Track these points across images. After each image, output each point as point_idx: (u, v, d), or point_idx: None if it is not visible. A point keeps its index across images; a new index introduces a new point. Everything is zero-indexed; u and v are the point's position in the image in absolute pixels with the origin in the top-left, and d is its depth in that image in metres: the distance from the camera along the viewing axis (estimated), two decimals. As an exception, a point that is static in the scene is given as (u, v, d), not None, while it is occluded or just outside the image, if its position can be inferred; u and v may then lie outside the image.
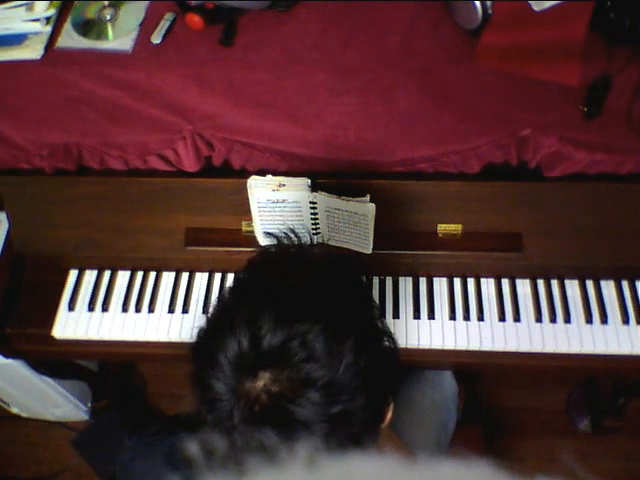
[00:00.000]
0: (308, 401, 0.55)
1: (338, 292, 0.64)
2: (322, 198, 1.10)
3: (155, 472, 0.74)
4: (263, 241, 1.13)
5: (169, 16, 1.21)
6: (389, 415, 0.68)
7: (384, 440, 0.96)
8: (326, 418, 0.56)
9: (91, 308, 1.24)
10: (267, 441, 0.55)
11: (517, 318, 1.18)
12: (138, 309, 1.24)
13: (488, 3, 1.08)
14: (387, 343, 0.67)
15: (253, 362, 0.56)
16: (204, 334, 0.62)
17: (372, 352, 0.61)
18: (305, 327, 0.56)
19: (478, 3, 1.08)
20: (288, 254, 0.67)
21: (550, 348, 1.15)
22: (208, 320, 0.62)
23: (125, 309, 1.24)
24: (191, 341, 0.62)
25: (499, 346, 1.16)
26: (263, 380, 0.55)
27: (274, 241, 0.69)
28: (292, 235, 0.68)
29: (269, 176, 1.10)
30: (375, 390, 0.61)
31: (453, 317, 1.19)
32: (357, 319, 0.62)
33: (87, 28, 1.22)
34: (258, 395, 0.55)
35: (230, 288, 0.66)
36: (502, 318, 1.18)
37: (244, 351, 0.56)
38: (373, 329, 0.65)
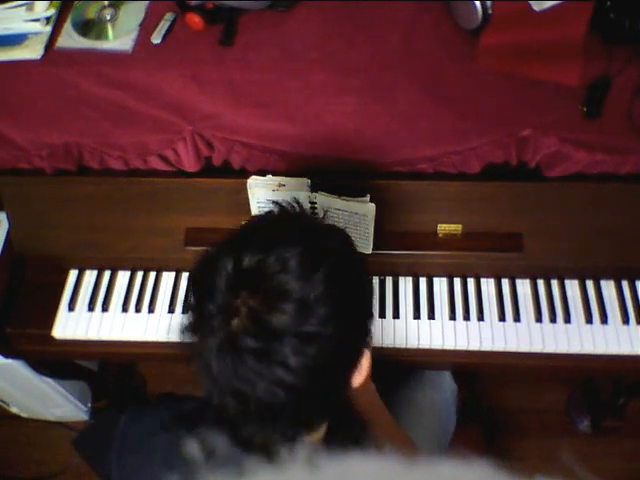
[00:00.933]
0: (280, 312, 0.59)
1: (321, 233, 0.69)
2: (322, 198, 1.10)
3: (151, 438, 0.76)
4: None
5: (169, 16, 1.21)
6: (365, 364, 0.70)
7: (392, 436, 0.97)
8: (297, 333, 0.59)
9: (91, 308, 1.24)
10: (244, 351, 0.60)
11: (517, 318, 1.18)
12: (138, 309, 1.24)
13: (488, 3, 1.08)
14: (367, 288, 0.71)
15: (235, 281, 0.61)
16: (198, 264, 0.67)
17: (348, 287, 0.65)
18: (282, 249, 0.62)
19: (478, 3, 1.08)
20: (283, 214, 0.72)
21: (550, 348, 1.15)
22: (203, 255, 0.68)
23: (125, 309, 1.24)
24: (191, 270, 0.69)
25: (499, 346, 1.16)
26: (243, 296, 0.61)
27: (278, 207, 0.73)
28: (295, 204, 0.72)
29: (269, 176, 1.10)
30: (347, 326, 0.64)
31: (453, 317, 1.19)
32: (335, 251, 0.66)
33: (87, 28, 1.22)
34: (238, 308, 0.60)
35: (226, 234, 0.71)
36: (502, 318, 1.18)
37: (228, 273, 0.62)
38: (352, 267, 0.69)
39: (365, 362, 0.71)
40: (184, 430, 0.71)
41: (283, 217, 0.71)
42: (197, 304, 0.64)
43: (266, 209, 0.74)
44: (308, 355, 0.60)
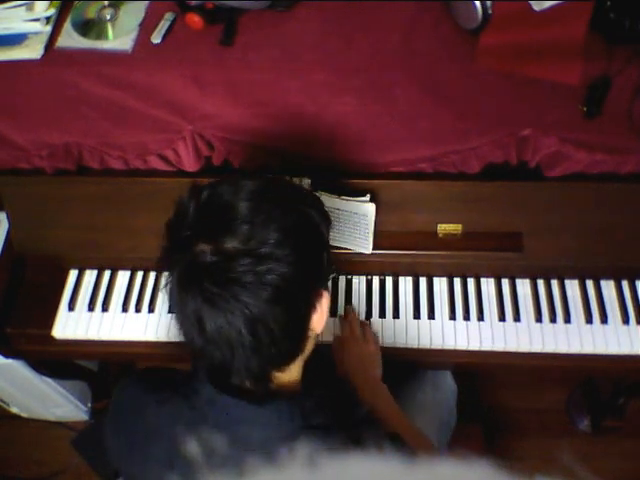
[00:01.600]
0: (233, 232, 0.65)
1: (279, 181, 0.76)
2: (322, 198, 1.10)
3: (142, 399, 0.79)
4: None
5: (169, 16, 1.21)
6: (325, 308, 0.73)
7: (412, 439, 0.97)
8: (249, 252, 0.64)
9: (91, 308, 1.24)
10: (206, 269, 0.64)
11: (517, 318, 1.18)
12: (138, 309, 1.24)
13: (488, 3, 1.08)
14: (321, 226, 0.73)
15: (195, 213, 0.68)
16: (171, 217, 0.72)
17: (299, 218, 0.70)
18: (235, 180, 0.69)
19: (478, 3, 1.08)
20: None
21: (550, 348, 1.15)
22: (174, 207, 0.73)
23: (125, 309, 1.24)
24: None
25: (499, 346, 1.16)
26: (202, 225, 0.67)
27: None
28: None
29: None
30: (299, 253, 0.67)
31: (453, 317, 1.19)
32: (289, 189, 0.74)
33: (87, 28, 1.22)
34: (199, 236, 0.65)
35: None
36: (502, 318, 1.18)
37: (190, 207, 0.68)
38: (308, 202, 0.73)
39: (325, 304, 0.73)
40: (168, 390, 0.75)
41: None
42: (167, 242, 0.70)
43: None
44: (260, 273, 0.64)
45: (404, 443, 0.78)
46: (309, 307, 0.71)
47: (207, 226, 0.66)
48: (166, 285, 0.69)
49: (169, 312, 1.23)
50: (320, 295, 0.72)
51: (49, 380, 1.54)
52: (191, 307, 0.65)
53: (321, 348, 0.83)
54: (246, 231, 0.64)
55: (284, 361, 0.72)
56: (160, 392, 0.77)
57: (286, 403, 0.70)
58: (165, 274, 0.69)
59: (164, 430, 0.74)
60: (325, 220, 0.74)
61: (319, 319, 0.73)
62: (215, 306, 0.64)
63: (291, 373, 0.75)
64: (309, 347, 0.76)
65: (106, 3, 1.25)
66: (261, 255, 0.64)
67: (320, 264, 0.73)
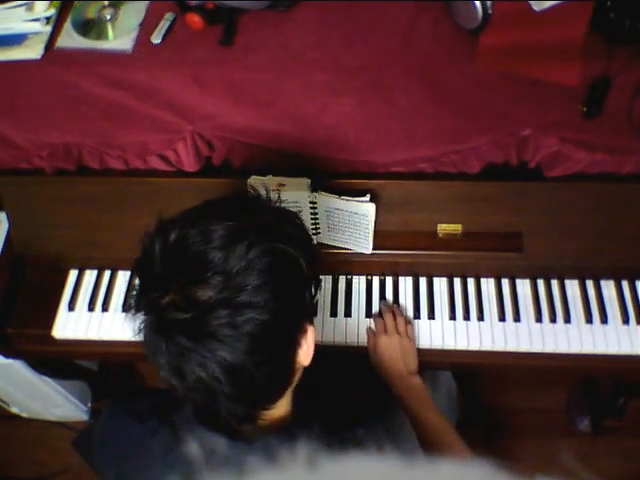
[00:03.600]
0: (205, 283, 0.60)
1: (253, 210, 0.69)
2: (322, 198, 1.10)
3: (126, 427, 0.77)
4: None
5: (169, 16, 1.21)
6: (311, 340, 0.70)
7: (442, 432, 0.97)
8: (225, 303, 0.59)
9: (91, 308, 1.24)
10: (175, 324, 0.60)
11: (517, 318, 1.18)
12: (138, 309, 1.23)
13: (488, 3, 1.08)
14: (303, 264, 0.68)
15: (163, 259, 0.62)
16: (138, 255, 0.68)
17: (279, 258, 0.64)
18: (208, 223, 0.62)
19: (478, 3, 1.08)
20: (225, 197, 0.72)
21: (550, 348, 1.15)
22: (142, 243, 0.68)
23: (125, 309, 1.24)
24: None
25: (499, 346, 1.16)
26: (173, 274, 0.61)
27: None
28: (252, 190, 0.74)
29: (269, 176, 1.10)
30: (281, 297, 0.63)
31: (453, 317, 1.19)
32: (267, 223, 0.66)
33: (87, 28, 1.22)
34: (169, 286, 0.61)
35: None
36: (502, 318, 1.18)
37: (157, 252, 0.62)
38: (285, 240, 0.67)
39: (310, 338, 0.70)
40: (159, 421, 0.72)
41: (227, 198, 0.72)
42: (138, 286, 0.65)
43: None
44: (238, 325, 0.60)
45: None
46: (294, 347, 0.68)
47: (177, 276, 0.61)
48: (140, 331, 0.65)
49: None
50: (305, 331, 0.69)
51: (49, 380, 1.54)
52: (166, 358, 0.62)
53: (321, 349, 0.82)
54: (220, 281, 0.60)
55: (271, 401, 0.69)
56: (147, 421, 0.74)
57: (276, 438, 0.66)
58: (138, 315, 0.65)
59: (154, 462, 0.72)
60: (305, 249, 0.69)
61: (306, 354, 0.70)
62: (191, 360, 0.60)
63: (280, 407, 0.72)
64: (297, 377, 0.73)
65: (106, 3, 1.25)
66: (238, 305, 0.60)
67: (302, 301, 0.69)
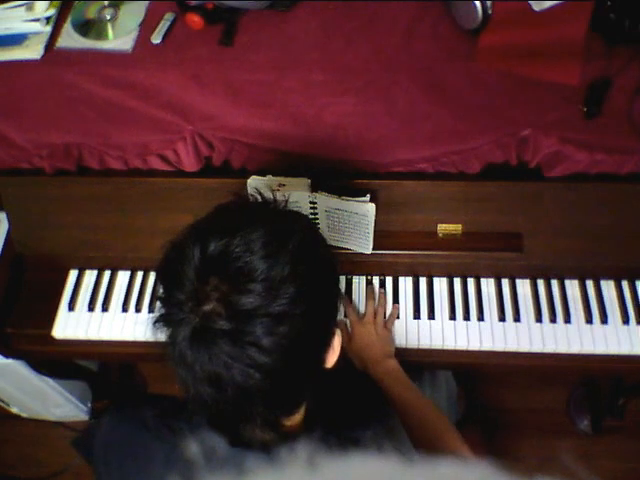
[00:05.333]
0: (250, 292, 0.60)
1: (284, 216, 0.71)
2: (322, 198, 1.10)
3: (136, 439, 0.77)
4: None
5: (169, 16, 1.21)
6: (337, 344, 0.71)
7: (424, 411, 0.97)
8: (267, 313, 0.60)
9: (91, 308, 1.24)
10: (216, 334, 0.60)
11: (517, 318, 1.18)
12: (138, 309, 1.24)
13: (488, 3, 1.08)
14: (331, 269, 0.71)
15: (203, 268, 0.62)
16: (165, 258, 0.68)
17: (314, 265, 0.66)
18: (247, 231, 0.63)
19: (478, 3, 1.08)
20: (245, 201, 0.73)
21: (550, 348, 1.15)
22: (169, 247, 0.68)
23: (125, 309, 1.24)
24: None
25: (499, 346, 1.16)
26: (212, 282, 0.61)
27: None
28: (257, 195, 0.73)
29: (269, 176, 1.10)
30: (316, 304, 0.65)
31: (453, 317, 1.19)
32: (299, 231, 0.67)
33: (87, 28, 1.22)
34: (208, 295, 0.60)
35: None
36: (502, 318, 1.18)
37: (196, 261, 0.62)
38: (316, 246, 0.69)
39: (337, 341, 0.72)
40: (165, 428, 0.72)
41: (246, 203, 0.73)
42: (167, 295, 0.65)
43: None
44: (280, 334, 0.60)
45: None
46: (326, 350, 0.70)
47: (219, 285, 0.61)
48: (172, 343, 0.64)
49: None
50: (333, 334, 0.71)
51: (49, 380, 1.54)
52: (205, 367, 0.62)
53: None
54: (264, 289, 0.60)
55: (299, 405, 0.71)
56: (154, 428, 0.74)
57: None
58: (164, 326, 0.65)
59: (158, 468, 0.72)
60: (332, 253, 0.71)
61: (331, 357, 0.72)
62: (233, 368, 0.61)
63: (299, 413, 0.73)
64: None
65: (106, 3, 1.25)
66: (280, 313, 0.60)
67: (335, 305, 0.71)
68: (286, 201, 0.72)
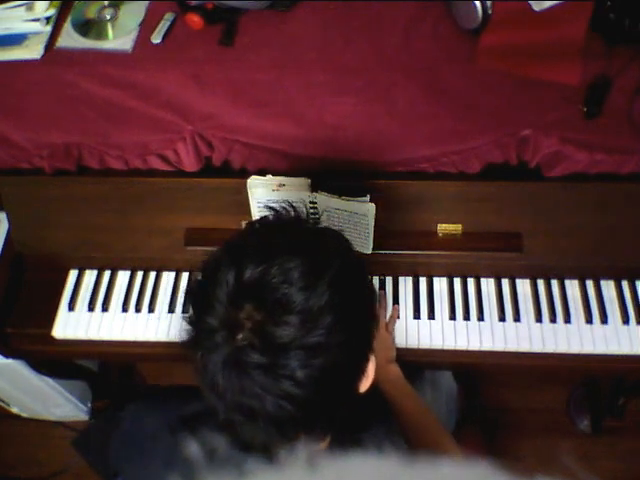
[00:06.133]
0: (286, 324, 0.58)
1: (321, 238, 0.68)
2: (322, 198, 1.10)
3: (152, 439, 0.77)
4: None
5: (169, 16, 1.21)
6: (371, 370, 0.70)
7: (422, 420, 0.97)
8: (303, 345, 0.58)
9: (91, 308, 1.24)
10: (250, 365, 0.58)
11: (517, 318, 1.18)
12: (138, 309, 1.24)
13: (488, 3, 1.09)
14: (368, 293, 0.69)
15: (237, 294, 0.60)
16: (197, 280, 0.66)
17: (350, 294, 0.64)
18: (284, 259, 0.60)
19: (478, 3, 1.08)
20: (280, 220, 0.71)
21: (550, 348, 1.15)
22: (202, 268, 0.66)
23: (125, 309, 1.24)
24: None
25: (499, 346, 1.16)
26: (247, 309, 0.59)
27: (273, 212, 0.72)
28: (289, 208, 0.71)
29: (269, 176, 1.10)
30: (352, 333, 0.63)
31: (453, 317, 1.19)
32: (336, 259, 0.65)
33: (87, 28, 1.22)
34: (242, 323, 0.59)
35: (223, 243, 0.70)
36: (502, 318, 1.18)
37: (230, 286, 0.60)
38: (353, 274, 0.67)
39: (371, 367, 0.70)
40: (188, 433, 0.71)
41: (280, 223, 0.70)
42: (197, 318, 0.63)
43: (265, 211, 0.73)
44: (315, 366, 0.59)
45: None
46: (360, 378, 0.69)
47: (255, 315, 0.59)
48: (202, 367, 0.62)
49: (169, 312, 1.23)
50: (368, 360, 0.69)
51: (49, 380, 1.54)
52: (237, 399, 0.61)
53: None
54: (300, 321, 0.58)
55: (331, 430, 0.70)
56: (179, 434, 0.72)
57: None
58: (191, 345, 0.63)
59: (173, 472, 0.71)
60: (373, 291, 0.69)
61: (365, 383, 0.70)
62: (264, 400, 0.59)
63: (328, 438, 0.72)
64: None
65: (106, 3, 1.25)
66: (314, 346, 0.59)
67: (371, 333, 0.68)
68: (320, 216, 0.70)
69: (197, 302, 0.64)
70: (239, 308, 0.59)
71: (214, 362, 0.60)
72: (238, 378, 0.59)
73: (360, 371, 0.68)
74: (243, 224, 1.18)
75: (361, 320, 0.66)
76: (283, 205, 0.71)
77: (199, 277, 0.66)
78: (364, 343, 0.67)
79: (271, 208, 0.71)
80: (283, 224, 0.70)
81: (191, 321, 0.64)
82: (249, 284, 0.60)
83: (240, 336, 0.59)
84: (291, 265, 0.60)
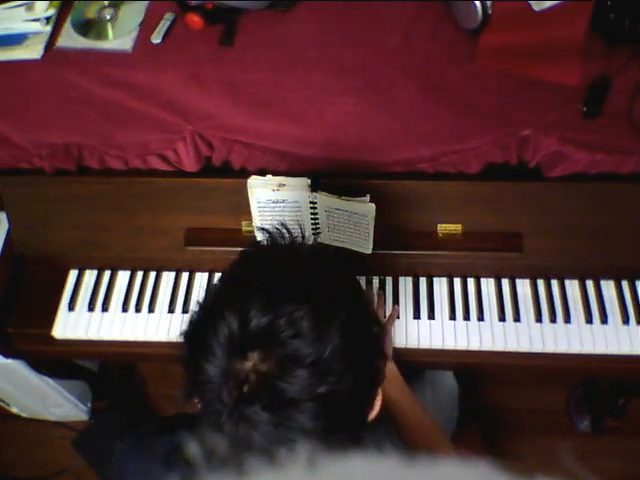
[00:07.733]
0: (295, 378, 0.56)
1: (326, 278, 0.65)
2: (322, 198, 1.10)
3: (152, 472, 0.75)
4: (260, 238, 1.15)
5: (169, 16, 1.21)
6: (377, 405, 0.68)
7: (422, 424, 0.97)
8: (313, 397, 0.56)
9: (91, 308, 1.24)
10: (257, 420, 0.56)
11: (517, 318, 1.18)
12: (138, 309, 1.24)
13: (488, 3, 1.08)
14: (375, 330, 0.67)
15: (242, 343, 0.57)
16: (196, 319, 0.63)
17: (360, 336, 0.62)
18: (292, 307, 0.57)
19: (478, 3, 1.08)
20: (279, 246, 0.68)
21: (550, 348, 1.15)
22: (200, 306, 0.64)
23: (125, 309, 1.24)
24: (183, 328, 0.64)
25: (499, 346, 1.16)
26: (252, 360, 0.56)
27: (267, 236, 0.70)
28: (284, 230, 0.68)
29: (269, 176, 1.10)
30: (362, 375, 0.61)
31: (453, 317, 1.19)
32: (344, 303, 0.63)
33: (87, 28, 1.22)
34: (247, 375, 0.56)
35: (221, 276, 0.67)
36: (502, 318, 1.18)
37: (233, 333, 0.57)
38: (361, 315, 0.65)
39: (378, 401, 0.68)
40: (184, 464, 0.70)
41: (277, 255, 0.68)
42: (194, 365, 0.60)
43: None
44: (325, 416, 0.58)
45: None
46: (369, 413, 0.67)
47: (261, 367, 0.56)
48: (205, 413, 0.59)
49: (169, 312, 1.23)
50: (376, 395, 0.67)
51: (49, 380, 1.54)
52: (242, 444, 0.58)
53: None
54: (308, 375, 0.56)
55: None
56: (175, 468, 0.70)
57: None
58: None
59: None
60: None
61: (373, 413, 0.69)
62: (272, 449, 0.57)
63: None
64: None
65: (106, 3, 1.25)
66: (324, 395, 0.57)
67: (381, 372, 0.66)
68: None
69: (194, 347, 0.62)
70: (243, 357, 0.56)
71: (218, 411, 0.58)
72: (245, 429, 0.57)
73: (369, 407, 0.66)
74: (243, 224, 1.18)
75: (370, 358, 0.64)
76: (277, 227, 0.68)
77: (195, 315, 0.63)
78: (374, 382, 0.66)
79: (265, 230, 0.69)
80: (281, 256, 0.67)
81: (188, 366, 0.61)
82: (255, 334, 0.57)
83: (245, 389, 0.56)
84: (300, 314, 0.57)
